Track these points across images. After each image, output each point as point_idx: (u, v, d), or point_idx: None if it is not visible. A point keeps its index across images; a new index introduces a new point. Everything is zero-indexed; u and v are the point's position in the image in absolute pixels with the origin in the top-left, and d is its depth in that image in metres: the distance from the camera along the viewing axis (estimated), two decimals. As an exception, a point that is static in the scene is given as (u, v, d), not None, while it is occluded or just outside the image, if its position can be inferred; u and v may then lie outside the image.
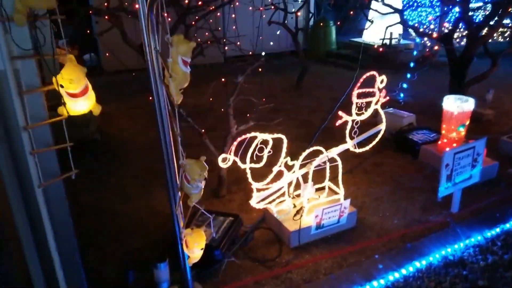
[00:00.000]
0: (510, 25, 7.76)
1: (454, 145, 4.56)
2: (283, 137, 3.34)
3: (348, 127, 3.65)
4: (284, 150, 3.37)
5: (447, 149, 4.22)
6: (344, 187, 3.76)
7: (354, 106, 3.65)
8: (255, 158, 3.16)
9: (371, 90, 3.65)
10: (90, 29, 9.00)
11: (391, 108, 5.95)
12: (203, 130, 3.97)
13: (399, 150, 5.24)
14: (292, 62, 10.68)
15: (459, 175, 3.70)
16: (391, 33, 10.43)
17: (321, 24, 11.77)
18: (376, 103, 3.70)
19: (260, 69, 5.30)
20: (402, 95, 7.68)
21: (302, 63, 8.46)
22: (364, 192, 4.33)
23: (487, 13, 6.26)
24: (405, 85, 8.19)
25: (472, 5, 10.66)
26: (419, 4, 11.57)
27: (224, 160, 3.03)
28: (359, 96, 3.65)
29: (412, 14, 11.73)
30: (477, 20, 10.55)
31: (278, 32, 9.03)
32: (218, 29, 7.30)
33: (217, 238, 3.23)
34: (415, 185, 4.43)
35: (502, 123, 6.25)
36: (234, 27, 8.68)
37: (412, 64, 8.65)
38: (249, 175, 3.22)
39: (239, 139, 3.12)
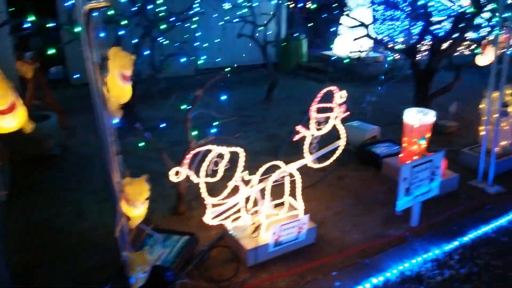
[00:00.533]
0: (474, 38, 7.93)
1: (415, 158, 4.58)
2: (240, 150, 3.26)
3: (307, 142, 3.60)
4: (241, 164, 3.29)
5: (408, 162, 4.24)
6: (306, 202, 3.70)
7: (312, 121, 3.62)
8: (210, 172, 3.08)
9: (329, 105, 3.63)
10: (58, 41, 8.80)
11: (356, 121, 5.98)
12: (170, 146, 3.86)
13: (362, 163, 5.25)
14: (264, 75, 10.68)
15: (417, 188, 3.70)
16: (360, 46, 10.58)
17: (292, 36, 11.88)
18: (335, 119, 3.67)
19: (223, 83, 5.26)
20: (369, 107, 7.76)
21: (271, 76, 8.46)
22: (325, 206, 4.29)
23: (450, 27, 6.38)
24: (373, 98, 8.30)
25: (434, 19, 10.99)
26: (388, 17, 11.80)
27: (176, 173, 2.94)
28: (318, 111, 3.62)
29: (382, 27, 11.95)
30: (441, 34, 10.85)
31: (250, 45, 9.01)
32: (186, 42, 7.22)
33: (170, 258, 3.11)
34: (376, 198, 4.43)
35: (464, 135, 6.36)
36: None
37: (381, 77, 8.80)
38: (203, 190, 3.14)
39: (192, 152, 3.04)
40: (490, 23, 6.52)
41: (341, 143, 3.79)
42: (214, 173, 3.07)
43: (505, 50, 4.39)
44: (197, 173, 3.08)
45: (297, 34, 12.06)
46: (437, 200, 4.15)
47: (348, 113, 3.77)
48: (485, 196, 4.45)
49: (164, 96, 8.58)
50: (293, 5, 12.91)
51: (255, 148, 5.94)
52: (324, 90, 3.62)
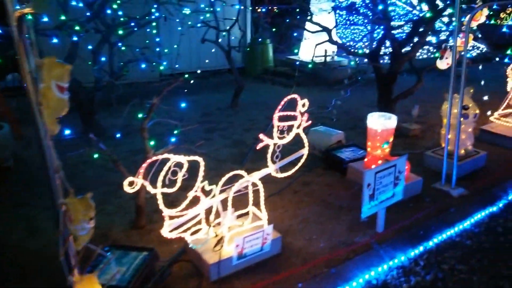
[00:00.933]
0: (433, 42, 8.11)
1: (379, 162, 4.57)
2: (200, 159, 3.11)
3: (270, 150, 3.50)
4: (201, 173, 3.14)
5: (373, 166, 4.22)
6: (271, 210, 3.61)
7: (275, 130, 3.52)
8: (168, 183, 2.91)
9: (292, 113, 3.54)
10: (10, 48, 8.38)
11: (321, 126, 5.94)
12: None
13: (328, 168, 5.20)
14: (230, 80, 10.60)
15: (381, 194, 3.66)
16: (325, 50, 10.65)
17: (258, 41, 11.84)
18: (298, 127, 3.59)
19: (186, 90, 5.10)
20: (335, 111, 7.78)
21: (237, 81, 8.36)
22: (291, 214, 4.20)
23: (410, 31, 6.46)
24: (338, 102, 8.34)
25: (395, 23, 11.20)
26: (352, 22, 11.96)
27: (130, 184, 2.76)
28: (281, 119, 3.52)
29: (346, 32, 12.10)
30: (401, 38, 11.08)
31: (213, 50, 8.89)
32: (147, 47, 7.02)
33: (127, 277, 2.93)
34: (342, 204, 4.38)
35: (428, 137, 6.44)
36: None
37: (345, 81, 8.84)
38: (160, 201, 2.97)
39: (148, 161, 2.87)
40: (448, 28, 6.68)
41: (305, 152, 3.71)
42: (172, 183, 2.92)
43: (464, 53, 4.44)
44: (154, 183, 2.91)
45: (263, 38, 12.03)
46: (402, 204, 4.15)
47: (311, 122, 3.69)
48: (449, 199, 4.48)
49: (125, 103, 8.36)
50: (258, 9, 12.90)
51: (221, 156, 5.81)
52: (286, 99, 3.53)
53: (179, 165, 2.93)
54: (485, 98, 6.97)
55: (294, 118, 3.53)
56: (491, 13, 7.96)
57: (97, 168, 5.30)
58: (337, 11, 10.26)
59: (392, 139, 4.67)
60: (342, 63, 11.03)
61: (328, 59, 10.96)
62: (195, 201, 3.16)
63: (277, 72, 11.53)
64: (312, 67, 9.80)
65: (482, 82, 5.63)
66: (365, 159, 4.80)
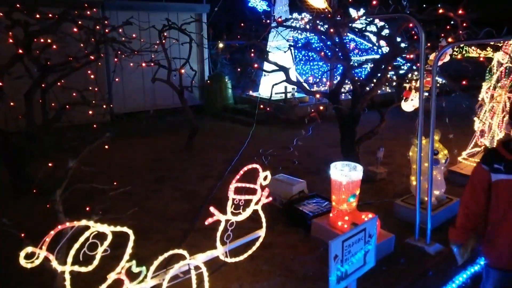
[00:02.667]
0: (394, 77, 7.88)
1: (346, 218, 4.05)
2: (130, 231, 2.44)
3: (221, 228, 2.86)
4: (128, 250, 2.45)
5: (338, 236, 3.68)
6: (223, 286, 2.95)
7: (230, 203, 2.91)
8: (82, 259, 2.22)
9: (251, 186, 2.97)
10: None
11: (281, 174, 5.40)
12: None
13: (290, 224, 4.63)
14: (188, 118, 10.03)
15: (351, 264, 3.10)
16: (285, 87, 10.32)
17: (216, 78, 11.41)
18: (256, 203, 3.00)
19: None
20: (296, 153, 7.31)
21: (192, 122, 7.77)
22: (248, 289, 3.56)
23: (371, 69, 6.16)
24: (300, 142, 7.89)
25: (355, 58, 11.07)
26: (311, 58, 11.77)
27: (29, 256, 2.07)
28: (237, 191, 2.93)
29: (305, 68, 11.87)
30: (364, 73, 10.94)
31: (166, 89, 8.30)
32: (89, 88, 6.34)
33: None
34: (307, 271, 3.78)
35: (395, 180, 6.03)
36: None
37: (307, 119, 8.43)
38: (67, 283, 2.27)
39: (58, 227, 2.19)
40: (409, 63, 6.44)
41: (262, 233, 3.13)
42: (89, 259, 2.23)
43: (432, 94, 4.06)
44: (63, 258, 2.23)
45: (221, 75, 11.61)
46: (374, 268, 3.60)
47: (271, 198, 3.12)
48: (425, 258, 3.98)
49: (70, 149, 7.61)
50: (217, 46, 12.55)
51: (170, 212, 5.13)
52: (246, 168, 2.95)
53: (99, 236, 2.26)
54: (450, 136, 6.70)
55: (253, 191, 2.94)
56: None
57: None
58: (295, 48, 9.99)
59: (359, 191, 4.17)
60: (303, 99, 10.71)
61: (289, 95, 10.63)
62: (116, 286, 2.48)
63: (237, 109, 11.08)
64: (272, 104, 9.45)
65: (447, 120, 5.36)
66: (331, 214, 4.26)
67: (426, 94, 4.30)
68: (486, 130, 5.85)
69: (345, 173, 3.98)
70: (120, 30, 6.69)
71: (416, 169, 4.75)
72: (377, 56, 12.28)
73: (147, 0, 11.11)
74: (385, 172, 6.14)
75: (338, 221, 4.10)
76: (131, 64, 8.06)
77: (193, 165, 6.96)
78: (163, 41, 7.38)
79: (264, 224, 3.09)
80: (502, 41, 5.21)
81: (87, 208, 3.28)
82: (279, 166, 6.70)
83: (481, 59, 5.80)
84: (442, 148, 4.66)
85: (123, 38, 6.47)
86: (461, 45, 9.95)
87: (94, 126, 6.22)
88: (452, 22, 4.79)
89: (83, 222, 2.28)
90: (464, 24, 4.70)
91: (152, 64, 7.32)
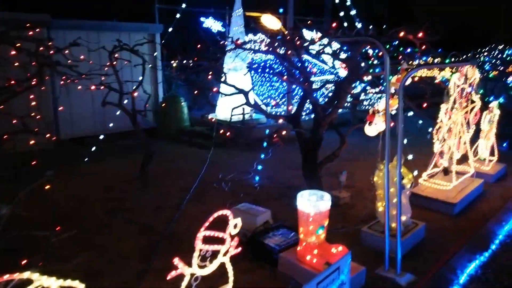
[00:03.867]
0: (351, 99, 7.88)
1: (315, 251, 3.82)
2: (81, 286, 2.07)
3: (184, 284, 2.52)
4: None
5: (311, 280, 3.43)
6: None
7: (196, 254, 2.59)
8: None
9: (220, 235, 2.66)
10: None
11: (244, 204, 5.11)
12: None
13: (256, 259, 4.32)
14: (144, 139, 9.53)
15: (326, 308, 2.85)
16: (243, 108, 10.11)
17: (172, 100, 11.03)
18: (225, 254, 2.70)
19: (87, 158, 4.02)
20: (257, 177, 7.07)
21: (146, 147, 7.34)
22: None
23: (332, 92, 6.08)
24: (260, 166, 7.64)
25: (315, 78, 11.10)
26: (269, 79, 11.68)
27: None
28: (205, 240, 2.61)
29: (262, 89, 11.76)
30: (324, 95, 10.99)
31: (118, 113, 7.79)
32: (31, 115, 5.79)
33: None
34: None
35: (359, 205, 5.91)
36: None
37: (266, 141, 8.22)
38: None
39: None
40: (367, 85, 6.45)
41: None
42: None
43: (399, 117, 3.96)
44: None
45: (177, 96, 11.24)
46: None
47: (240, 249, 2.83)
48: (397, 291, 3.81)
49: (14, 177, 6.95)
50: (172, 67, 12.22)
51: (123, 250, 4.67)
52: (216, 215, 2.65)
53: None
54: (409, 157, 6.71)
55: (221, 241, 2.64)
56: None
57: None
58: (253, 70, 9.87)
59: (327, 222, 3.96)
60: (261, 121, 10.54)
61: (247, 116, 10.42)
62: None
63: (194, 132, 10.70)
64: (232, 126, 9.21)
65: (405, 141, 5.32)
66: (298, 247, 4.01)
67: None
68: (445, 151, 5.88)
69: (312, 204, 3.76)
70: (66, 51, 6.23)
71: (381, 194, 4.65)
72: (333, 76, 12.50)
73: (98, 19, 10.63)
74: (348, 196, 6.01)
75: (307, 255, 3.85)
76: (79, 87, 7.55)
77: (148, 194, 6.52)
78: (114, 63, 6.96)
79: (231, 279, 2.78)
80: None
81: (24, 261, 2.83)
82: (240, 192, 6.42)
83: (437, 81, 5.88)
84: (406, 173, 4.58)
85: (69, 61, 6.01)
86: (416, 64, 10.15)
87: (36, 156, 5.67)
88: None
89: (25, 275, 1.91)
90: (424, 47, 4.71)
91: (101, 87, 6.86)
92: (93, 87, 7.16)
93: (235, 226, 2.72)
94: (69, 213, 5.74)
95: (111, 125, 9.74)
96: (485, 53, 13.17)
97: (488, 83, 9.42)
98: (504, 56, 10.38)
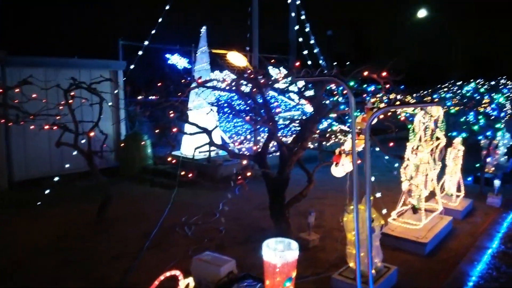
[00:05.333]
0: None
1: (284, 306, 3.51)
2: None
3: None
4: None
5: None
6: None
7: None
8: None
9: None
10: None
11: (207, 252, 4.76)
12: None
13: (219, 315, 3.97)
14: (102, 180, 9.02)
15: None
16: (209, 144, 9.84)
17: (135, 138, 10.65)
18: None
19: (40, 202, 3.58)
20: (223, 219, 6.74)
21: (104, 189, 6.91)
22: None
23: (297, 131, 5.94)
24: (226, 207, 7.33)
25: (281, 115, 11.03)
26: (234, 115, 11.52)
27: None
28: None
29: (228, 125, 11.59)
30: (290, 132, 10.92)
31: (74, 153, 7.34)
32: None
33: None
34: None
35: (328, 247, 5.67)
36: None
37: (232, 180, 7.96)
38: None
39: None
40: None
41: None
42: None
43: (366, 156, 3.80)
44: None
45: (140, 133, 10.88)
46: None
47: None
48: None
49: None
50: (134, 103, 11.89)
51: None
52: (163, 277, 2.35)
53: None
54: (378, 195, 6.60)
55: None
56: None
57: None
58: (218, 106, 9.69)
59: (296, 272, 3.69)
60: (227, 158, 10.28)
61: (213, 154, 10.15)
62: None
63: (157, 171, 10.29)
64: (195, 164, 8.90)
65: (372, 178, 5.21)
66: (265, 302, 3.69)
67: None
68: (413, 189, 5.79)
69: (279, 254, 3.49)
70: (17, 90, 5.86)
71: (351, 238, 4.44)
72: (299, 112, 12.51)
73: (57, 56, 10.29)
74: (318, 238, 5.77)
75: (274, 310, 3.54)
76: (32, 127, 7.11)
77: (105, 240, 6.05)
78: (70, 101, 6.61)
79: None
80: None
81: None
82: (204, 236, 6.06)
83: (402, 118, 5.86)
84: (376, 215, 4.41)
85: (15, 100, 5.64)
86: (379, 100, 10.26)
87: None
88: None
89: None
90: (387, 86, 4.67)
91: (55, 127, 6.47)
92: (46, 127, 6.75)
93: (187, 286, 2.41)
94: (13, 264, 5.20)
95: (67, 166, 9.25)
96: (445, 89, 13.61)
97: (450, 118, 9.64)
98: (463, 91, 10.75)
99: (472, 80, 13.02)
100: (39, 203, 7.60)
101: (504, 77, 14.54)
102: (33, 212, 7.36)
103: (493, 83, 13.26)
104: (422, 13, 23.10)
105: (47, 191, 7.74)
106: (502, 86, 13.53)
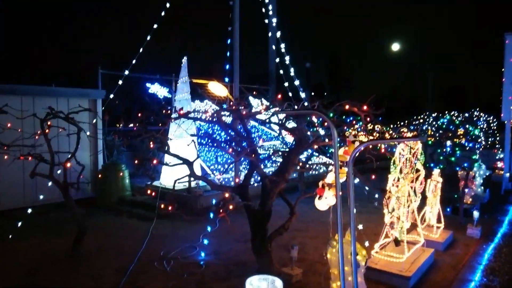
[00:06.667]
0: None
1: None
2: None
3: None
4: None
5: None
6: None
7: None
8: None
9: None
10: None
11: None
12: None
13: None
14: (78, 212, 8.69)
15: None
16: (188, 175, 9.69)
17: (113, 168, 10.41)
18: None
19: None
20: (203, 252, 6.56)
21: (79, 222, 6.65)
22: None
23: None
24: (206, 240, 7.15)
25: (264, 143, 11.02)
26: (215, 142, 11.44)
27: None
28: None
29: (209, 155, 11.50)
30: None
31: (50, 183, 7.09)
32: None
33: None
34: None
35: (312, 282, 5.55)
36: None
37: (212, 212, 7.83)
38: None
39: None
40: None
41: None
42: None
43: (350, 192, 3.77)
44: None
45: (118, 163, 10.65)
46: None
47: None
48: None
49: None
50: (113, 133, 11.71)
51: None
52: None
53: None
54: (359, 227, 6.56)
55: None
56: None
57: None
58: (199, 137, 9.63)
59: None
60: (208, 188, 10.13)
61: (193, 184, 10.00)
62: None
63: (135, 202, 10.03)
64: (175, 195, 8.74)
65: (354, 210, 5.19)
66: None
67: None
68: (395, 222, 5.78)
69: (262, 292, 3.38)
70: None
71: (335, 273, 4.36)
72: (278, 142, 12.54)
73: (34, 84, 10.12)
74: (301, 273, 5.65)
75: None
76: (6, 157, 6.87)
77: (78, 276, 5.77)
78: (47, 131, 6.44)
79: None
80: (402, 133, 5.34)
81: None
82: (184, 272, 5.86)
83: (382, 150, 5.91)
84: (360, 248, 4.36)
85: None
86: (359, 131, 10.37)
87: None
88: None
89: None
90: (368, 119, 4.71)
91: (30, 157, 6.27)
92: (21, 157, 6.53)
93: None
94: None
95: (41, 197, 8.94)
96: (421, 120, 13.94)
97: (428, 149, 9.80)
98: (439, 123, 11.03)
99: (446, 112, 13.38)
100: (10, 236, 7.28)
101: (477, 109, 15.02)
102: (3, 246, 7.01)
103: (467, 115, 13.67)
104: (395, 46, 23.93)
105: (19, 223, 7.43)
106: (475, 118, 13.96)
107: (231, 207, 5.12)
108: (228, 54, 11.77)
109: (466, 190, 9.11)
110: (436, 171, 7.21)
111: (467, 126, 10.64)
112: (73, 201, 6.62)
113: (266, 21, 14.80)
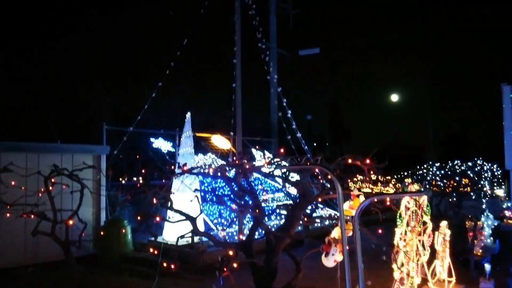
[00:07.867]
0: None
1: None
2: None
3: None
4: None
5: None
6: None
7: None
8: None
9: None
10: None
11: None
12: None
13: None
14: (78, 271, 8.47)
15: None
16: (192, 231, 9.55)
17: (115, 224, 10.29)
18: None
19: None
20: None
21: (78, 283, 6.48)
22: None
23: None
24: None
25: (268, 196, 10.96)
26: (219, 198, 11.37)
27: None
28: None
29: (212, 208, 11.39)
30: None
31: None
32: None
33: None
34: None
35: None
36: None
37: (216, 268, 7.61)
38: None
39: None
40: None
41: None
42: None
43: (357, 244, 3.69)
44: None
45: (120, 219, 10.53)
46: None
47: None
48: None
49: None
50: (117, 188, 11.69)
51: None
52: None
53: None
54: (369, 283, 6.34)
55: None
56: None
57: None
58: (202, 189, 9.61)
59: None
60: (211, 243, 9.93)
61: (196, 239, 9.82)
62: None
63: (137, 258, 9.81)
64: (177, 251, 8.56)
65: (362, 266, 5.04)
66: None
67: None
68: (404, 277, 5.61)
69: None
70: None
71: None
72: (282, 194, 12.46)
73: (39, 141, 10.27)
74: (309, 334, 5.41)
75: None
76: (8, 215, 6.84)
77: None
78: (50, 188, 6.45)
79: None
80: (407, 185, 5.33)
81: None
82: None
83: (388, 203, 5.85)
84: (370, 308, 4.19)
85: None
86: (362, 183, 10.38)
87: None
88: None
89: None
90: (371, 172, 4.72)
91: (32, 215, 6.24)
92: (23, 215, 6.51)
93: None
94: None
95: (42, 254, 8.77)
96: (424, 171, 13.90)
97: (433, 199, 9.71)
98: (442, 173, 10.99)
99: (449, 162, 13.37)
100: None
101: (480, 158, 14.97)
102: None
103: (470, 164, 13.62)
104: (394, 97, 24.41)
105: (18, 283, 7.25)
106: (479, 167, 13.85)
107: (235, 265, 5.00)
108: (232, 109, 12.02)
109: (475, 241, 8.90)
110: (443, 223, 7.09)
111: (472, 175, 10.60)
112: (74, 260, 6.51)
113: (268, 77, 15.24)
